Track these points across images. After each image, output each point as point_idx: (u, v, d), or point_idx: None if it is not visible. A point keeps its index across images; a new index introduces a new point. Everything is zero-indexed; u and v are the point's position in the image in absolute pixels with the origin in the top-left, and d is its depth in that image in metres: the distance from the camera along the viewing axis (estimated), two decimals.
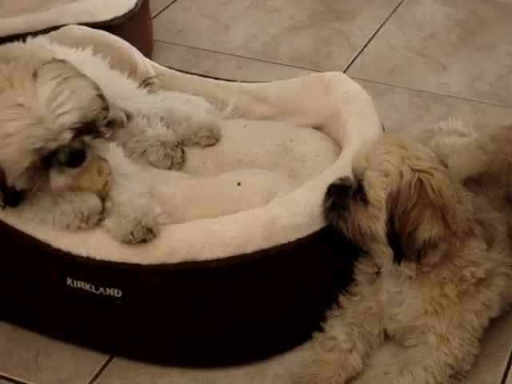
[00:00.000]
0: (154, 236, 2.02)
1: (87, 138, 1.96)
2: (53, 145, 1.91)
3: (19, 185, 1.95)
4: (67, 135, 1.91)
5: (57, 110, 1.90)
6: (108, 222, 2.04)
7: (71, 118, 1.91)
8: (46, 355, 2.21)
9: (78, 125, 1.93)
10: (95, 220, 2.05)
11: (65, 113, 1.90)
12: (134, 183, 2.12)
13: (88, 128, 1.96)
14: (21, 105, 1.89)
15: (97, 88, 2.02)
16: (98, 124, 1.99)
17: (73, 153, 1.94)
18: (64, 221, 2.04)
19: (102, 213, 2.05)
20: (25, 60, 2.01)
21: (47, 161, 1.92)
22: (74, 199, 2.02)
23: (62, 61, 2.04)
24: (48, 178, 1.95)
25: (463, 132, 2.72)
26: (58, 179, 1.95)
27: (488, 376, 2.12)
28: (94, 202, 2.04)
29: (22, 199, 2.02)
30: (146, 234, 2.01)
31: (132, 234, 2.00)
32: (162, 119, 2.52)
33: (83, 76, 2.01)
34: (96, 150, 1.99)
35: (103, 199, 2.06)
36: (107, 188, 2.04)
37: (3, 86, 1.92)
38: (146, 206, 2.04)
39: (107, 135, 2.03)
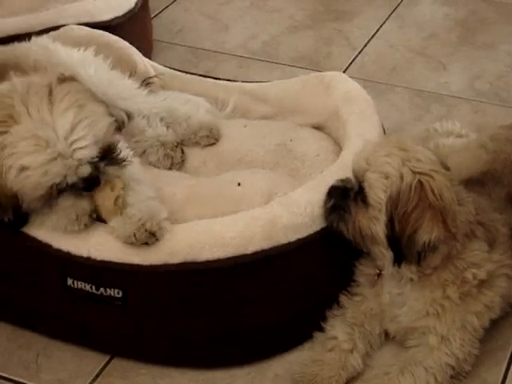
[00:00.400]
0: (157, 240, 2.01)
1: (102, 165, 1.97)
2: (72, 179, 1.93)
3: (33, 207, 1.98)
4: (86, 169, 1.93)
5: (75, 144, 1.90)
6: (112, 222, 2.03)
7: (89, 153, 1.92)
8: (47, 355, 2.21)
9: (96, 159, 1.95)
10: (86, 221, 2.03)
11: (83, 147, 1.91)
12: (146, 187, 2.12)
13: (103, 154, 1.97)
14: (39, 137, 1.89)
15: (109, 112, 2.03)
16: (113, 147, 2.01)
17: (88, 179, 1.96)
18: (61, 224, 2.03)
19: (94, 212, 2.03)
20: (36, 72, 2.00)
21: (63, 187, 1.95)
22: (63, 205, 2.00)
23: (72, 78, 2.03)
24: (60, 197, 1.96)
25: (460, 133, 2.72)
26: (72, 201, 1.98)
27: (488, 375, 2.13)
28: (81, 203, 2.01)
29: (27, 222, 2.04)
30: (149, 238, 2.00)
31: (135, 236, 1.99)
32: (161, 119, 2.52)
33: (97, 100, 2.01)
34: (110, 175, 2.00)
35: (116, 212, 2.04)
36: (119, 202, 2.02)
37: (19, 110, 1.91)
38: (152, 209, 2.03)
39: (121, 157, 2.03)
